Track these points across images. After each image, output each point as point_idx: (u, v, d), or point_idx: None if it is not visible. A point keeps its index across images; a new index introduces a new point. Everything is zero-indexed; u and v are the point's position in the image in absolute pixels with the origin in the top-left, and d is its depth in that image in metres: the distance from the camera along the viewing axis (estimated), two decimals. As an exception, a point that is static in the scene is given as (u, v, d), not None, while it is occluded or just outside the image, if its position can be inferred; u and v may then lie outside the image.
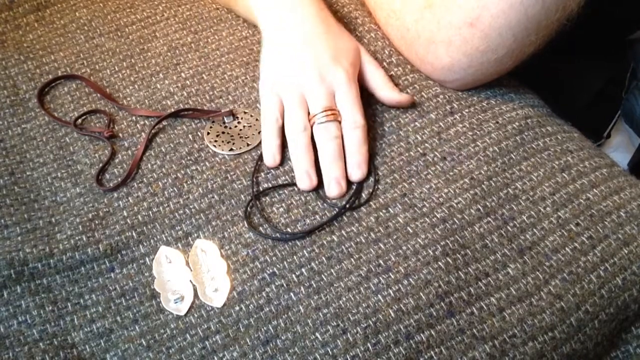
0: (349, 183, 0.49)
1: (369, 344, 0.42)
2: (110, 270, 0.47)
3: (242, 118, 0.55)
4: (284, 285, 0.45)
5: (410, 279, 0.44)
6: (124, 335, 0.44)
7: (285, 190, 0.50)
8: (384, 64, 0.56)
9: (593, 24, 0.51)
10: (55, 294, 0.46)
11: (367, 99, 0.54)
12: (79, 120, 0.55)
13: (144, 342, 0.44)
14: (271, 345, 0.43)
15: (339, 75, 0.51)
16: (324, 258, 0.46)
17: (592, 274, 0.45)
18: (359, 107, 0.51)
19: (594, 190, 0.48)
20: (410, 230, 0.47)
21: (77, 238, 0.47)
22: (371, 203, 0.48)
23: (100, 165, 0.52)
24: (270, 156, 0.51)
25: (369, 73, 0.54)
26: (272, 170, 0.51)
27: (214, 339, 0.43)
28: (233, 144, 0.53)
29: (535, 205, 0.48)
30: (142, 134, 0.54)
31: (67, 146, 0.54)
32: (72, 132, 0.55)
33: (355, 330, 0.42)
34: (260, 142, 0.52)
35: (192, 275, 0.46)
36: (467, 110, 0.53)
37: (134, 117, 0.56)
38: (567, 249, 0.46)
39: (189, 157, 0.52)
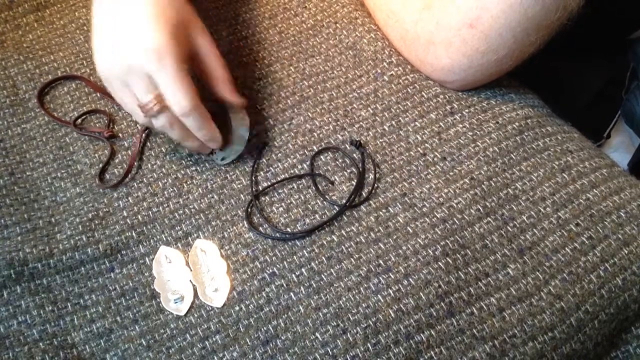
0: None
1: (369, 344, 0.42)
2: (110, 270, 0.47)
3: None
4: (284, 285, 0.45)
5: (410, 279, 0.44)
6: (124, 335, 0.44)
7: (285, 190, 0.50)
8: (384, 63, 0.56)
9: (593, 23, 0.51)
10: (55, 294, 0.46)
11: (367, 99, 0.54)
12: (79, 120, 0.55)
13: (144, 342, 0.44)
14: (271, 345, 0.43)
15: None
16: (324, 258, 0.46)
17: (592, 274, 0.45)
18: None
19: (594, 190, 0.48)
20: (410, 230, 0.47)
21: (77, 238, 0.47)
22: (371, 202, 0.48)
23: (101, 165, 0.52)
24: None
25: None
26: (271, 169, 0.51)
27: (214, 339, 0.43)
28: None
29: (535, 205, 0.48)
30: (143, 134, 0.54)
31: (67, 146, 0.54)
32: (72, 132, 0.55)
33: (355, 330, 0.42)
34: (249, 140, 0.51)
35: (192, 275, 0.46)
36: (467, 111, 0.53)
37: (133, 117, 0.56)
38: (567, 249, 0.46)
39: (189, 157, 0.52)
